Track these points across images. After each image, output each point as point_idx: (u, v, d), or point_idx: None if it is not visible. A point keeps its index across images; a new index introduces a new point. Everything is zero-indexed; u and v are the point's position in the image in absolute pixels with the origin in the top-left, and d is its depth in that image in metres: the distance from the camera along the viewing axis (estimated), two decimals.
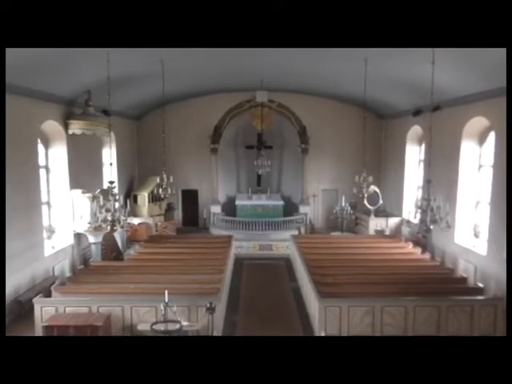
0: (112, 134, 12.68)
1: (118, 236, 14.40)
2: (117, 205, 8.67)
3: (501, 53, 6.15)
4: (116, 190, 9.12)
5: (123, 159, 17.41)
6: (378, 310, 8.83)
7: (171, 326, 7.68)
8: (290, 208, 19.48)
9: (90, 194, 12.34)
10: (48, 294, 9.70)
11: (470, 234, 12.33)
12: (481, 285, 10.22)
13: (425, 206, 7.99)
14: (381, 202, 17.57)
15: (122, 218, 8.75)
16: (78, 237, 13.05)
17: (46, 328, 8.11)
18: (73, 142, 12.70)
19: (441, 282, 10.45)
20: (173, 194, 13.99)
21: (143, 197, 17.65)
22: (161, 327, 7.70)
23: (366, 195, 12.89)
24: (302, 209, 19.24)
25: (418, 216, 8.18)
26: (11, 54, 6.00)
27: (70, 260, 12.70)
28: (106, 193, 9.09)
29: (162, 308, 7.77)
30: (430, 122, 9.38)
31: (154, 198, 17.74)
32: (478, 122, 11.71)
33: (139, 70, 11.96)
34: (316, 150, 19.18)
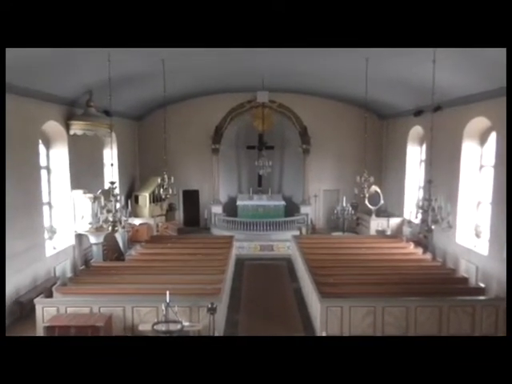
0: (113, 134, 12.71)
1: (120, 236, 14.43)
2: (118, 205, 8.67)
3: (501, 53, 6.14)
4: (117, 191, 9.10)
5: (124, 160, 17.43)
6: (380, 310, 8.82)
7: (172, 327, 7.69)
8: (291, 208, 19.44)
9: (91, 195, 12.37)
10: (49, 295, 9.72)
11: (471, 234, 12.30)
12: (482, 285, 10.21)
13: (426, 206, 7.96)
14: (382, 202, 17.58)
15: (123, 218, 8.76)
16: (80, 237, 13.06)
17: (48, 328, 8.12)
18: (74, 143, 12.72)
19: (442, 283, 10.44)
20: (174, 195, 13.95)
21: (144, 197, 17.65)
22: (162, 327, 7.71)
23: (367, 195, 12.89)
24: (303, 209, 19.21)
25: (420, 216, 8.14)
26: (11, 54, 6.00)
27: (72, 260, 12.72)
28: (107, 193, 9.08)
29: (164, 308, 7.78)
30: (431, 122, 9.36)
31: (155, 199, 17.74)
32: (479, 122, 11.69)
33: (140, 70, 11.95)
34: (317, 151, 19.17)
